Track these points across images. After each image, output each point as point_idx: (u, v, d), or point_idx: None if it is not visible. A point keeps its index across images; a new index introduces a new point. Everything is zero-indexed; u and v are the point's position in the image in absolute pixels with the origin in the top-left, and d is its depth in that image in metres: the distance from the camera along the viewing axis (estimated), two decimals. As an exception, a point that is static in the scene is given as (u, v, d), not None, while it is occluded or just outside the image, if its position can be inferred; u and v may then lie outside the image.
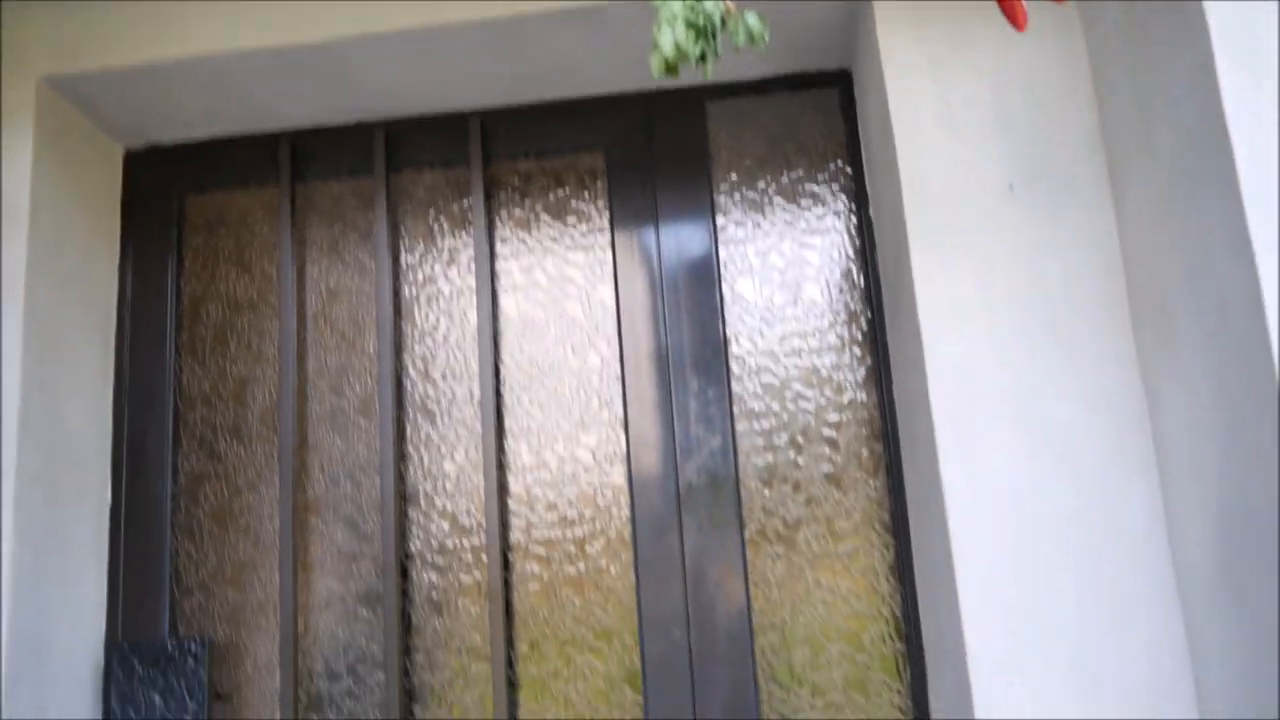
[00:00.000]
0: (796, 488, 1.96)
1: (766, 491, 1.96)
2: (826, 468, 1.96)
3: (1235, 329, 1.42)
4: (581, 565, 1.94)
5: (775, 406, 1.99)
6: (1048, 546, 1.66)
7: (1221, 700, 1.56)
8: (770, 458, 1.97)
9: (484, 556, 1.95)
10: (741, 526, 1.93)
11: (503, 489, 1.97)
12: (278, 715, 1.89)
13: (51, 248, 1.88)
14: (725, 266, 2.05)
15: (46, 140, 1.90)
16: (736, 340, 2.01)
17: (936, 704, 1.80)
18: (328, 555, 1.97)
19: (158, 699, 1.82)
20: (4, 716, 1.65)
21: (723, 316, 2.01)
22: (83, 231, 1.98)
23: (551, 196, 2.11)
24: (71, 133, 1.98)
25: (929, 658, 1.83)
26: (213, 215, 2.14)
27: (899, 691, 1.88)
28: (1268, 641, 1.42)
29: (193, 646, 1.85)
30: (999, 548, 1.67)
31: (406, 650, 1.92)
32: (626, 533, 1.94)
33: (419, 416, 2.02)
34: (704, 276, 2.02)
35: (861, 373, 1.99)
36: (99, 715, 1.86)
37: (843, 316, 2.02)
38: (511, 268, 2.08)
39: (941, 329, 1.73)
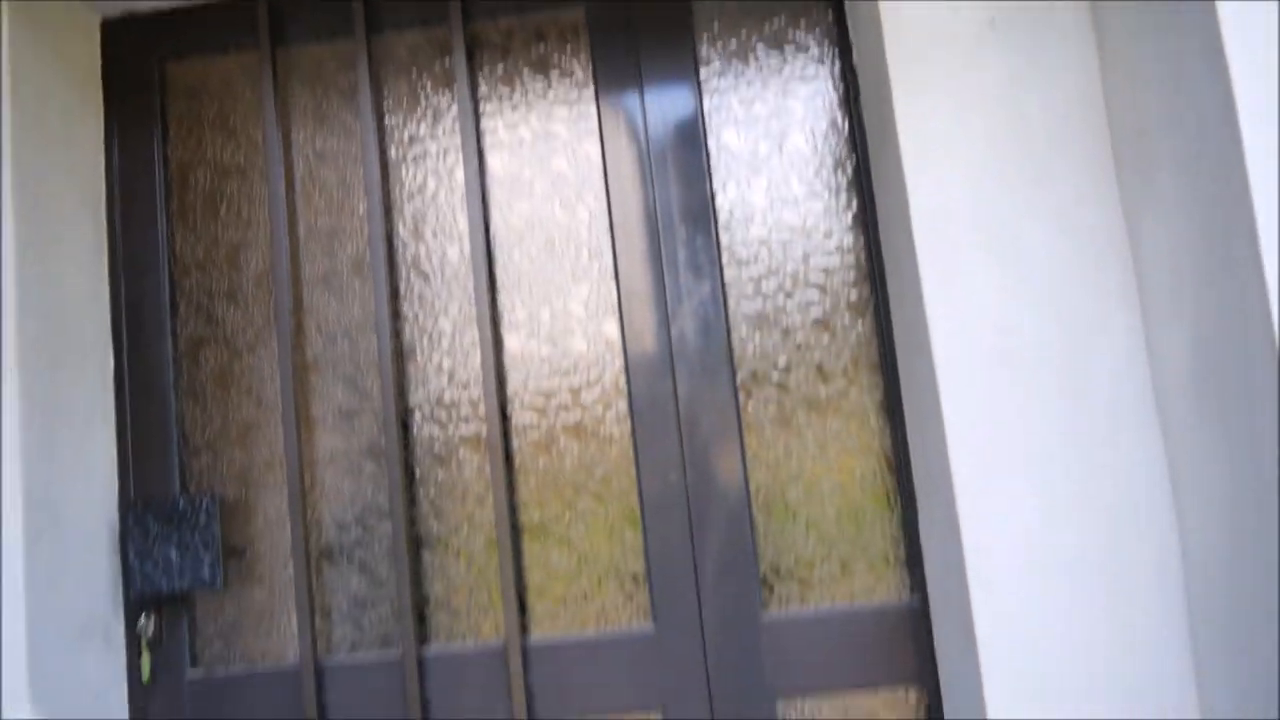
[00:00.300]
0: (786, 332, 2.00)
1: (757, 337, 1.99)
2: (815, 311, 2.00)
3: (1211, 150, 1.44)
4: (578, 414, 1.99)
5: (763, 254, 2.01)
6: (1030, 376, 1.71)
7: (1198, 513, 1.62)
8: (759, 304, 2.00)
9: (482, 409, 1.99)
10: (733, 372, 1.97)
11: (498, 343, 2.00)
12: (290, 566, 1.96)
13: (34, 119, 1.88)
14: (710, 117, 2.05)
15: (21, 10, 1.88)
16: (723, 190, 2.03)
17: (926, 531, 1.87)
18: (329, 412, 2.01)
19: (174, 554, 1.88)
20: (27, 575, 1.71)
21: (709, 166, 2.02)
22: (65, 102, 1.97)
23: (533, 53, 2.10)
24: (46, 2, 1.96)
25: (918, 489, 1.89)
26: (194, 82, 2.13)
27: (890, 521, 1.95)
28: (1243, 453, 1.47)
29: (204, 503, 1.91)
30: (983, 379, 1.71)
31: (412, 501, 1.98)
32: (621, 381, 1.99)
33: (412, 275, 2.04)
34: (689, 128, 2.02)
35: (847, 218, 2.01)
36: (119, 571, 1.92)
37: (828, 163, 2.03)
38: (496, 125, 2.08)
39: (924, 169, 1.75)
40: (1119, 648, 1.68)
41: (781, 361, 1.99)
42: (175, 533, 1.89)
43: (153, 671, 1.92)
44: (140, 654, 1.91)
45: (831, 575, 1.95)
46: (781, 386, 1.98)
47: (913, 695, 1.92)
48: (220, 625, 1.97)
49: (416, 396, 2.01)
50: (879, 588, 1.94)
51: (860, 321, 1.99)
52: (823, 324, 2.00)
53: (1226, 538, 1.55)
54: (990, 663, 1.68)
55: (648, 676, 1.91)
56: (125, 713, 1.91)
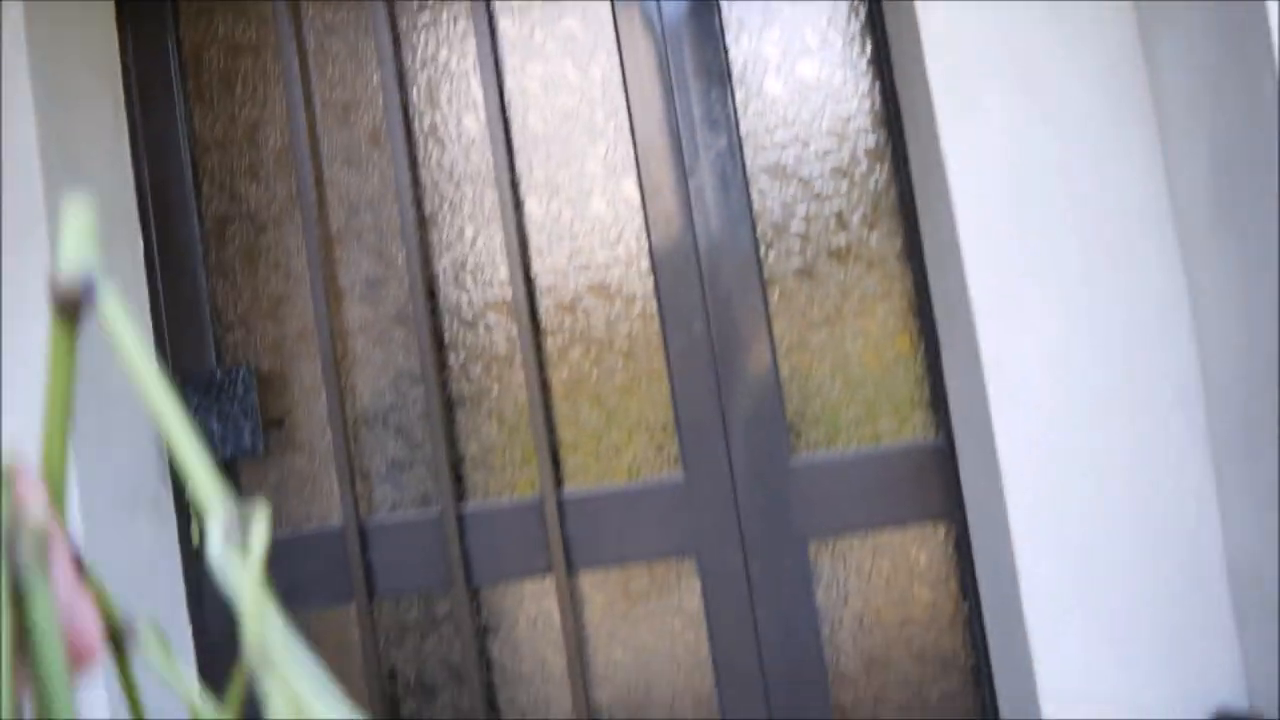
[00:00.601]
0: (804, 182, 2.00)
1: (776, 188, 2.00)
2: (833, 160, 2.00)
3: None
4: (601, 273, 2.01)
5: (778, 104, 2.01)
6: (1047, 202, 1.72)
7: (1216, 328, 1.64)
8: (777, 155, 2.01)
9: (504, 272, 2.02)
10: (753, 223, 1.98)
11: (518, 206, 2.02)
12: (329, 432, 2.01)
13: (47, 7, 1.88)
14: (719, -30, 2.03)
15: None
16: (736, 43, 2.02)
17: (950, 368, 1.89)
18: (356, 282, 2.04)
19: (215, 425, 1.94)
20: (76, 451, 1.76)
21: (720, 20, 2.01)
22: (75, -12, 1.98)
23: (538, -85, 2.08)
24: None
25: (940, 328, 1.91)
26: (201, -38, 2.13)
27: (914, 363, 1.98)
28: (1260, 267, 1.48)
29: (241, 374, 1.95)
30: (1000, 209, 1.72)
31: (442, 365, 2.02)
32: (641, 238, 2.00)
33: (429, 143, 2.05)
34: (698, -18, 2.01)
35: (862, 64, 2.00)
36: (164, 444, 1.98)
37: (841, 8, 2.01)
38: (505, -11, 2.07)
39: (936, 3, 1.74)
40: (1141, 468, 1.71)
41: (801, 211, 2.00)
42: (215, 404, 1.94)
43: (202, 538, 1.99)
44: (190, 522, 1.98)
45: (857, 418, 1.98)
46: (802, 236, 2.00)
47: (941, 529, 1.96)
48: (265, 492, 2.03)
49: (441, 263, 2.04)
50: (905, 428, 1.97)
51: (879, 167, 2.00)
52: (841, 172, 2.00)
53: (1244, 351, 1.57)
54: (1015, 490, 1.72)
55: (680, 524, 1.96)
56: (179, 579, 1.98)
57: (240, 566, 0.31)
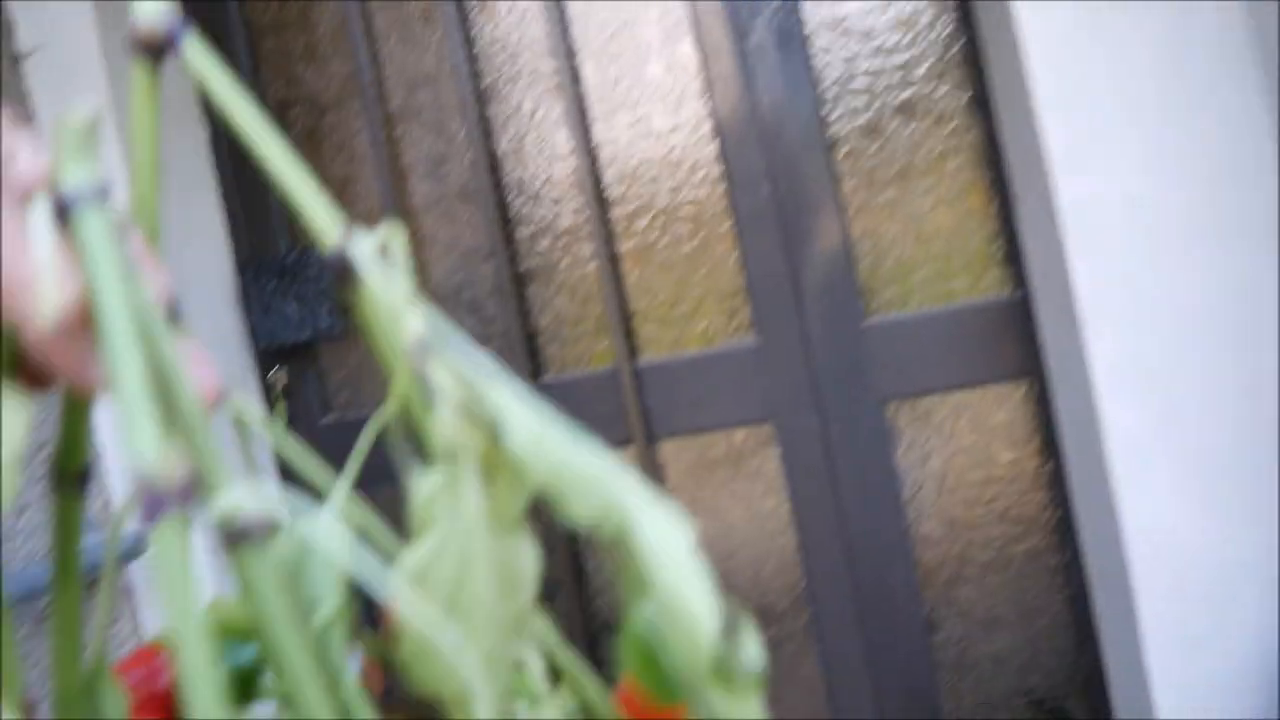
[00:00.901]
0: (867, 35, 1.93)
1: (838, 44, 1.94)
2: (895, 11, 1.93)
3: None
4: (662, 141, 1.98)
5: (839, -44, 1.94)
6: (1122, 43, 1.63)
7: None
8: (839, 10, 1.94)
9: (566, 143, 1.99)
10: (815, 82, 1.93)
11: (575, 76, 1.98)
12: (402, 312, 2.02)
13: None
14: None
15: None
16: (794, -107, 1.94)
17: (1026, 220, 1.84)
18: (419, 161, 2.04)
19: (293, 307, 1.96)
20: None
21: None
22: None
23: None
24: None
25: (1014, 177, 1.85)
26: None
27: (988, 217, 1.93)
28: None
29: (314, 256, 1.97)
30: (1075, 55, 1.64)
31: (509, 240, 2.01)
32: (703, 101, 1.96)
33: (482, 15, 2.02)
34: None
35: (927, -91, 1.92)
36: (246, 324, 2.01)
37: None
38: None
39: None
40: (1226, 313, 1.65)
41: (864, 67, 1.94)
42: (291, 286, 1.96)
43: (289, 419, 2.03)
44: (275, 404, 2.03)
45: (931, 277, 1.94)
46: (867, 93, 1.94)
47: (1021, 388, 1.94)
48: (347, 373, 2.06)
49: (503, 139, 2.02)
50: (980, 285, 1.94)
51: (944, 16, 1.92)
52: (904, 23, 1.93)
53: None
54: (1096, 342, 1.68)
55: (756, 389, 1.96)
56: (268, 459, 2.03)
57: (385, 269, 0.31)
